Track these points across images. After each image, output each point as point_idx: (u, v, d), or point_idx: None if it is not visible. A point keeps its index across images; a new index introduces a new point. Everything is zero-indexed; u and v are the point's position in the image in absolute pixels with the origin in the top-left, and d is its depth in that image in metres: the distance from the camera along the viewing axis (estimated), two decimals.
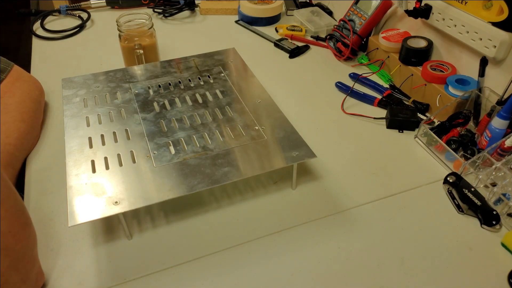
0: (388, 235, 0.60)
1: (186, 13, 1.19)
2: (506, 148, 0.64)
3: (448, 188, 0.66)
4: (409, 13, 0.83)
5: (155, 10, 1.17)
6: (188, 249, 0.58)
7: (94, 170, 0.59)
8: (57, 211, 0.63)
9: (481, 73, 0.73)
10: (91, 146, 0.63)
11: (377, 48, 0.93)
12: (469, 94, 0.75)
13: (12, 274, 0.46)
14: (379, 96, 0.86)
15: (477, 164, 0.67)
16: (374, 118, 0.81)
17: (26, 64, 0.91)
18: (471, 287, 0.54)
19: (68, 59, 0.98)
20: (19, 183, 0.68)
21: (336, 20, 1.11)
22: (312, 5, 1.18)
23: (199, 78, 0.79)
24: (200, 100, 0.73)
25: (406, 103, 0.84)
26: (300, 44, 1.04)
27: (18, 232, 0.47)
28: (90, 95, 0.74)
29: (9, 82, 0.76)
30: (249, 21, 1.13)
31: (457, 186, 0.64)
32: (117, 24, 0.86)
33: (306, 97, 0.87)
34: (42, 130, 0.78)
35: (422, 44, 0.84)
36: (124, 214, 0.55)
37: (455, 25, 0.76)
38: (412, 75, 0.84)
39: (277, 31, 1.10)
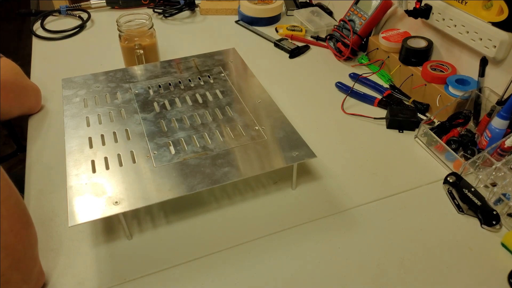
0: (388, 235, 0.60)
1: (186, 13, 1.19)
2: (506, 148, 0.64)
3: (448, 188, 0.66)
4: (409, 13, 0.83)
5: (155, 10, 1.17)
6: (188, 249, 0.58)
7: (94, 170, 0.59)
8: (57, 211, 0.63)
9: (481, 73, 0.73)
10: (91, 146, 0.63)
11: (377, 48, 0.93)
12: (469, 94, 0.75)
13: (13, 274, 0.47)
14: (379, 96, 0.86)
15: (477, 164, 0.67)
16: (374, 118, 0.81)
17: (26, 64, 0.91)
18: (471, 287, 0.54)
19: (68, 59, 0.98)
20: (19, 183, 0.68)
21: (336, 20, 1.11)
22: (312, 5, 1.18)
23: (199, 78, 0.79)
24: (200, 100, 0.73)
25: (406, 103, 0.84)
26: (300, 44, 1.04)
27: (19, 232, 0.47)
28: (90, 95, 0.74)
29: None
30: (249, 21, 1.13)
31: (457, 186, 0.64)
32: (117, 24, 0.86)
33: (306, 97, 0.87)
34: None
35: (422, 44, 0.84)
36: (124, 214, 0.55)
37: (455, 25, 0.76)
38: (412, 75, 0.84)
39: (277, 31, 1.10)
